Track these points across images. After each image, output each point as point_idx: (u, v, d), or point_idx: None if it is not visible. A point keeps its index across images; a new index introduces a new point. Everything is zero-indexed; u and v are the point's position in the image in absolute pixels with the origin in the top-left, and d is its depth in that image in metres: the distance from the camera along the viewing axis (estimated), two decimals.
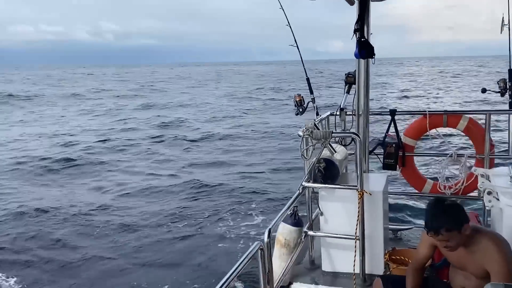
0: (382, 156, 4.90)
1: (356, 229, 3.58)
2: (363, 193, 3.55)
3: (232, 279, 2.36)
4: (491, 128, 4.71)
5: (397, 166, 4.91)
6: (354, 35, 3.89)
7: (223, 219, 9.90)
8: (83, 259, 8.30)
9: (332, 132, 3.64)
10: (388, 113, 5.02)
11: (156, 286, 7.23)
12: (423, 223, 2.66)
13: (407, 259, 3.82)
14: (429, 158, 11.14)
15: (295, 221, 3.86)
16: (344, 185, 3.86)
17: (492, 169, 4.28)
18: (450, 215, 2.55)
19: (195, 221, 9.88)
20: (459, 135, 11.69)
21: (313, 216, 4.08)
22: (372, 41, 4.24)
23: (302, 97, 4.65)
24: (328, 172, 3.77)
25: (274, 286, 3.14)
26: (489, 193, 3.58)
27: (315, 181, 3.77)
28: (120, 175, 14.36)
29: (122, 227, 9.75)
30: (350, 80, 4.72)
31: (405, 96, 34.93)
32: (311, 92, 4.76)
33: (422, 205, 8.98)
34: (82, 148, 18.35)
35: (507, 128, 4.78)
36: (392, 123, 4.97)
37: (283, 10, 4.76)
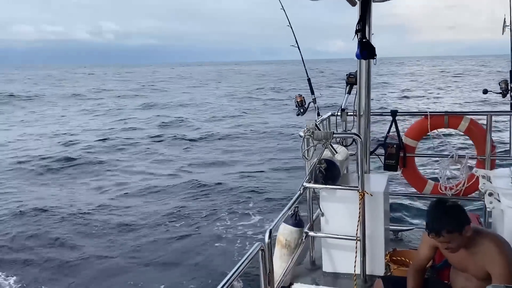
0: (383, 156, 4.90)
1: (357, 229, 3.57)
2: (364, 194, 3.55)
3: (234, 279, 2.36)
4: (492, 129, 4.71)
5: (398, 166, 4.91)
6: (356, 35, 3.89)
7: (221, 219, 9.93)
8: (81, 258, 8.33)
9: (333, 133, 3.63)
10: (389, 114, 5.02)
11: (154, 285, 7.26)
12: (424, 224, 2.66)
13: (407, 260, 3.82)
14: (430, 159, 11.14)
15: (296, 221, 3.87)
16: (345, 186, 3.85)
17: (493, 170, 4.27)
18: (452, 216, 2.55)
19: (192, 221, 9.91)
20: (460, 136, 11.69)
21: (314, 217, 4.08)
22: (373, 41, 4.24)
23: (303, 97, 4.65)
24: (329, 173, 3.76)
25: (275, 286, 3.14)
26: (490, 194, 3.58)
27: (316, 182, 3.77)
28: (120, 174, 14.39)
29: (121, 226, 9.78)
30: (351, 80, 4.72)
31: (406, 97, 34.88)
32: (312, 93, 4.76)
33: (423, 206, 8.98)
34: (82, 148, 18.38)
35: (508, 129, 4.77)
36: (393, 123, 4.97)
37: (284, 10, 4.76)
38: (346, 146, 4.56)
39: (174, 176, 13.81)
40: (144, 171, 14.65)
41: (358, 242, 3.60)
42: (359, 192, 3.55)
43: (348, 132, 4.79)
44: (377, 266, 3.83)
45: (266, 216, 9.89)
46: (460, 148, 11.23)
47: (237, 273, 2.42)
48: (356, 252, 3.60)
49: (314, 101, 4.63)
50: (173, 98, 40.33)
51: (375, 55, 3.94)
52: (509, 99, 4.93)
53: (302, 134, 3.62)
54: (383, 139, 4.98)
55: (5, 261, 8.33)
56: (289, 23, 4.76)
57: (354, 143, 4.39)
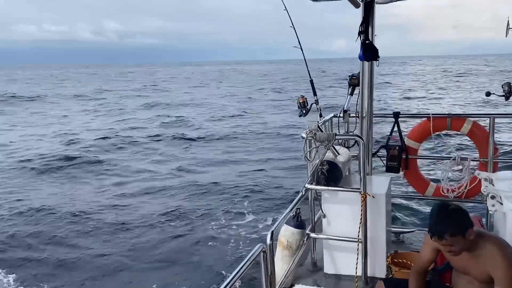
0: (385, 158, 4.89)
1: (359, 231, 3.57)
2: (366, 196, 3.55)
3: (236, 280, 2.35)
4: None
5: (400, 168, 4.90)
6: (359, 37, 3.89)
7: (216, 219, 9.99)
8: (78, 256, 8.44)
9: (336, 135, 3.63)
10: (392, 115, 5.01)
11: (148, 284, 7.33)
12: (426, 226, 2.65)
13: (409, 262, 3.80)
14: (433, 161, 11.13)
15: (298, 223, 3.86)
16: (347, 188, 3.85)
17: (496, 173, 4.26)
18: (455, 220, 2.54)
19: (188, 220, 9.98)
20: (462, 138, 11.66)
21: (315, 218, 4.07)
22: (375, 41, 4.24)
23: (306, 98, 4.63)
24: (331, 175, 3.76)
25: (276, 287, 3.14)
26: (493, 197, 3.56)
27: (318, 183, 3.76)
28: (119, 173, 14.47)
29: (118, 225, 9.85)
30: (353, 82, 4.71)
31: (408, 97, 34.83)
32: (315, 94, 4.75)
33: (425, 208, 8.97)
34: (83, 148, 18.44)
35: (511, 132, 4.76)
36: (396, 125, 4.96)
37: (287, 11, 4.75)
38: (348, 147, 4.56)
39: (172, 176, 13.88)
40: (143, 170, 14.72)
41: (360, 244, 3.59)
42: (361, 194, 3.55)
43: (351, 133, 4.78)
44: (378, 268, 3.83)
45: (260, 216, 9.98)
46: (462, 151, 11.22)
47: (239, 274, 2.42)
48: (357, 254, 3.59)
49: (317, 102, 4.61)
50: (175, 98, 40.43)
51: (378, 57, 3.94)
52: None
53: (304, 135, 3.61)
54: (385, 140, 4.98)
55: (5, 259, 8.44)
56: (292, 24, 4.75)
57: (356, 144, 4.39)
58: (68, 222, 10.13)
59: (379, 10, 4.35)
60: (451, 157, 4.89)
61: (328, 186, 3.76)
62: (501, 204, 3.49)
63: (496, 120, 4.73)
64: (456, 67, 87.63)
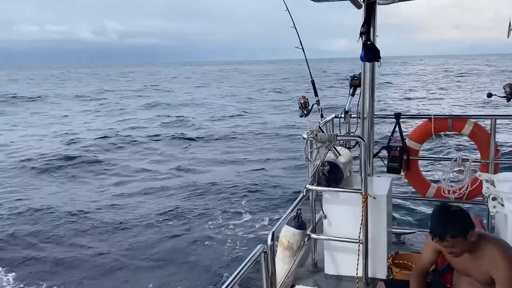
0: (386, 159, 4.88)
1: (360, 232, 3.57)
2: (367, 197, 3.54)
3: (237, 281, 2.35)
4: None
5: (401, 169, 4.89)
6: (360, 38, 3.89)
7: (213, 218, 10.04)
8: (76, 256, 8.52)
9: (337, 135, 3.62)
10: (393, 116, 5.01)
11: (145, 284, 7.38)
12: (427, 227, 2.64)
13: (410, 264, 3.80)
14: (434, 162, 11.13)
15: (299, 223, 3.85)
16: (348, 189, 3.84)
17: (497, 174, 4.25)
18: (456, 221, 2.54)
19: (185, 220, 10.03)
20: (464, 139, 11.66)
21: (316, 219, 4.07)
22: (377, 41, 4.23)
23: (307, 99, 4.63)
24: (332, 175, 3.75)
25: None
26: (494, 198, 3.56)
27: (319, 184, 3.76)
28: (118, 173, 14.53)
29: (116, 225, 9.91)
30: (355, 82, 4.70)
31: (408, 98, 34.83)
32: (316, 94, 4.74)
33: (426, 209, 8.97)
34: (83, 148, 18.49)
35: None
36: (397, 126, 4.96)
37: (288, 12, 4.75)
38: (349, 148, 4.56)
39: (171, 175, 13.93)
40: (142, 170, 14.78)
41: (361, 245, 3.59)
42: (362, 195, 3.54)
43: (352, 134, 4.78)
44: (379, 269, 3.82)
45: (257, 216, 10.03)
46: (463, 152, 11.21)
47: (240, 274, 2.42)
48: (358, 255, 3.59)
49: (318, 103, 4.61)
50: (176, 98, 40.47)
51: (380, 58, 3.94)
52: None
53: (305, 136, 3.61)
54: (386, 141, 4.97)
55: (5, 257, 8.53)
56: (294, 24, 4.74)
57: (357, 145, 4.38)
58: (67, 221, 10.20)
59: (380, 10, 4.35)
60: (452, 158, 4.88)
61: (329, 187, 3.76)
62: (502, 205, 3.49)
63: (498, 121, 4.72)
64: (458, 67, 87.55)
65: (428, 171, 10.47)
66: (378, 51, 3.93)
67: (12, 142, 20.52)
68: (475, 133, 4.76)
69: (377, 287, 3.18)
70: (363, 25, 3.89)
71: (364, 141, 3.69)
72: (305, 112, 4.56)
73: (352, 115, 4.80)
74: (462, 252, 2.61)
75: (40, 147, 18.82)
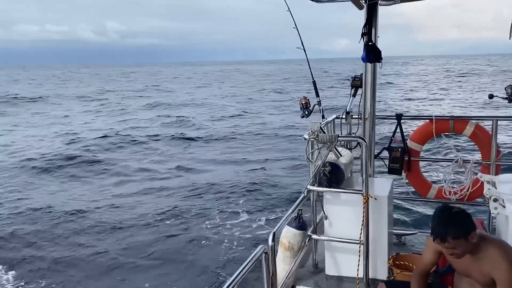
0: (387, 160, 4.88)
1: (361, 233, 3.56)
2: (368, 198, 3.54)
3: (238, 281, 2.35)
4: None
5: (403, 170, 4.89)
6: (362, 38, 3.88)
7: (210, 218, 10.05)
8: (74, 255, 8.56)
9: (338, 136, 3.62)
10: (394, 117, 5.01)
11: (145, 283, 7.41)
12: (428, 228, 2.64)
13: (411, 265, 3.80)
14: (435, 163, 11.11)
15: (300, 224, 3.85)
16: (349, 189, 3.84)
17: (498, 175, 4.24)
18: (457, 223, 2.53)
19: (185, 220, 10.04)
20: (465, 140, 11.64)
21: (317, 220, 4.07)
22: (378, 42, 4.23)
23: (308, 99, 4.63)
24: (333, 176, 3.75)
25: None
26: (495, 200, 3.55)
27: (320, 185, 3.75)
28: (118, 173, 14.55)
29: (115, 224, 9.93)
30: (356, 83, 4.70)
31: (409, 98, 34.81)
32: (317, 95, 4.74)
33: (427, 210, 8.96)
34: (84, 147, 18.52)
35: None
36: (398, 127, 4.95)
37: (290, 12, 4.74)
38: (350, 149, 4.56)
39: (170, 175, 13.96)
40: (142, 169, 14.80)
41: (362, 246, 3.59)
42: (363, 196, 3.54)
43: (353, 135, 4.77)
44: (380, 270, 3.82)
45: (255, 216, 10.06)
46: (465, 153, 11.20)
47: (241, 274, 2.42)
48: (359, 255, 3.59)
49: (319, 103, 4.61)
50: (176, 98, 40.51)
51: (381, 59, 3.93)
52: None
53: (306, 136, 3.60)
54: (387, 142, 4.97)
55: (4, 256, 8.58)
56: (295, 25, 4.74)
57: (358, 146, 4.38)
58: (66, 220, 10.24)
59: (381, 10, 4.34)
60: (453, 159, 4.88)
61: (330, 187, 3.75)
62: (504, 207, 3.48)
63: (499, 122, 4.72)
64: (459, 67, 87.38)
65: (429, 172, 10.48)
66: (380, 52, 3.93)
67: (13, 142, 20.57)
68: (477, 134, 4.75)
69: None
70: (364, 26, 3.88)
71: (365, 142, 3.69)
72: (306, 112, 4.56)
73: (354, 116, 4.80)
74: (463, 253, 2.61)
75: (41, 147, 18.86)
